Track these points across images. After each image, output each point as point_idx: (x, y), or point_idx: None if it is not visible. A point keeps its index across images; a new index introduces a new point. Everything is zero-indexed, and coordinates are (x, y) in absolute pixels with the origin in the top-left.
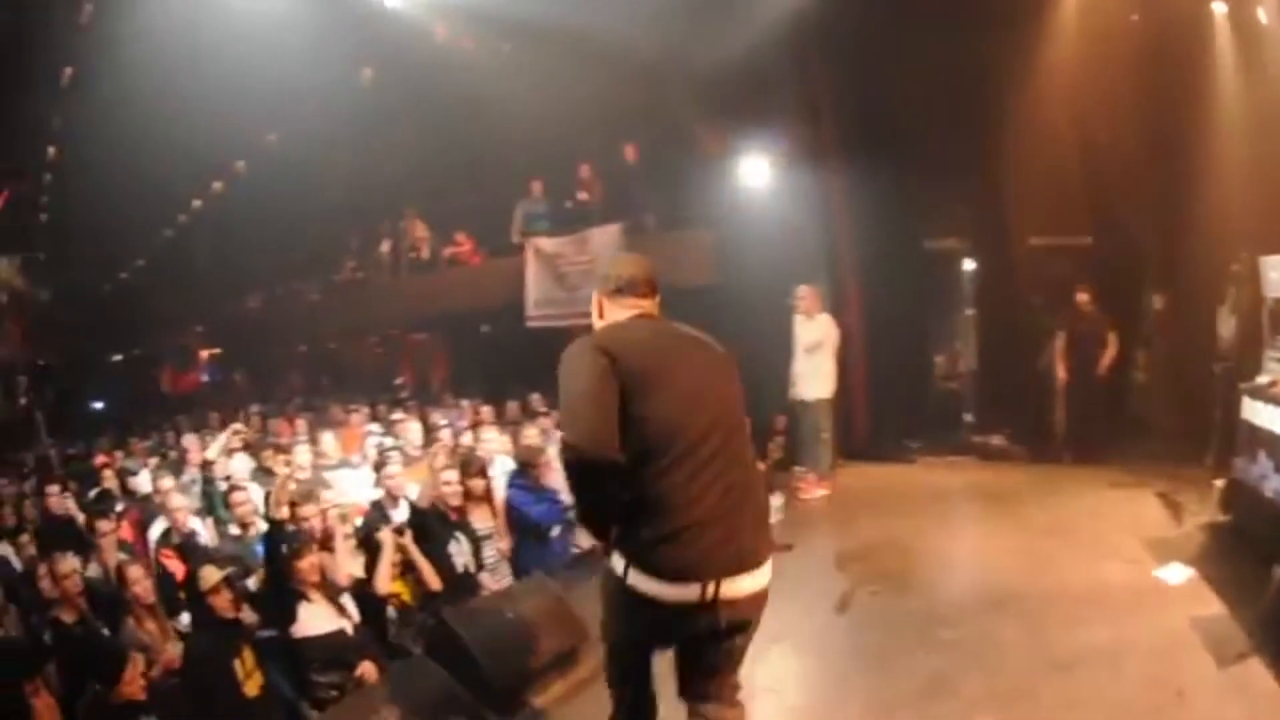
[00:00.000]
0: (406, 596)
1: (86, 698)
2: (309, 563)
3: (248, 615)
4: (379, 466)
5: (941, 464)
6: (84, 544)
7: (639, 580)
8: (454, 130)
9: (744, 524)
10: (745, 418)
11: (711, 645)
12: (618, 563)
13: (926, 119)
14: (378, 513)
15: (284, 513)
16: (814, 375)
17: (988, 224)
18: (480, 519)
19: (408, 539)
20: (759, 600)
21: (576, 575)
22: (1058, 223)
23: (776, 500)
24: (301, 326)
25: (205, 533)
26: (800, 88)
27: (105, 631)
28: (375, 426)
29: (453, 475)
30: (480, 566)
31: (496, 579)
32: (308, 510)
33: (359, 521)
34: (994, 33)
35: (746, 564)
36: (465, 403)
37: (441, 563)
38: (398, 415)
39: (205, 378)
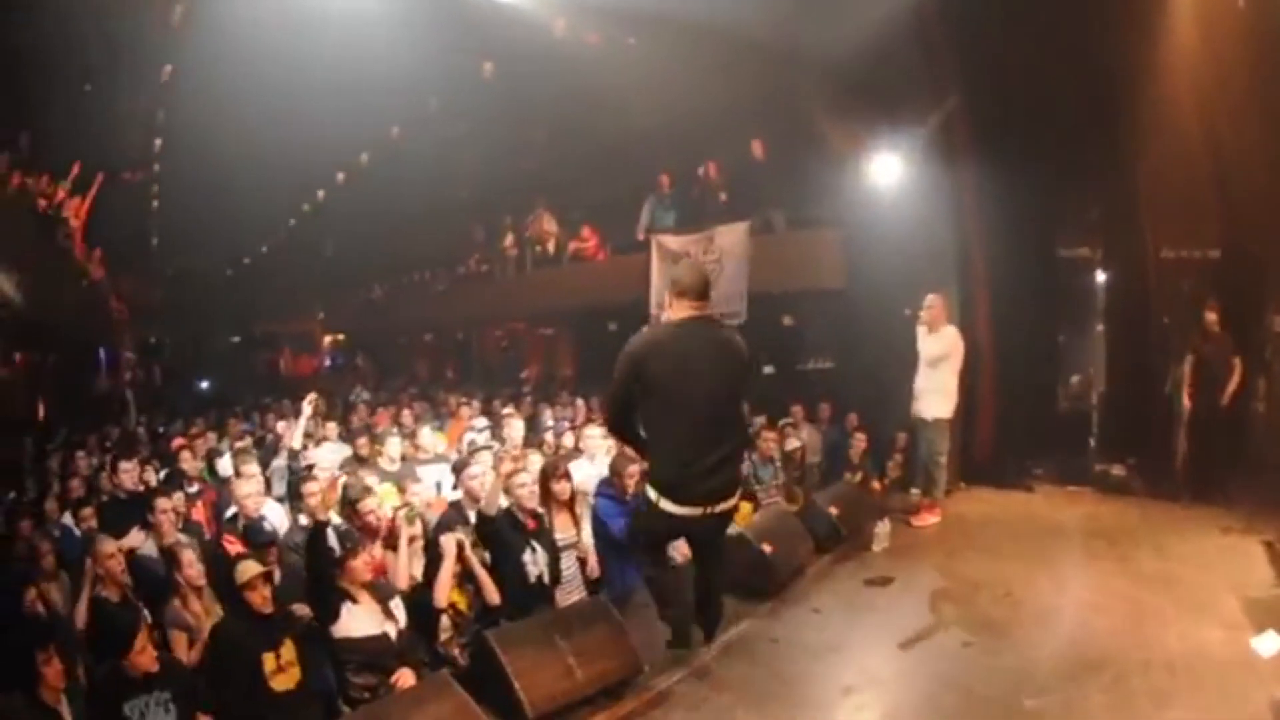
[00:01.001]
0: (463, 606)
1: (104, 667)
2: (361, 562)
3: (301, 609)
4: (459, 468)
5: (1061, 494)
6: (147, 521)
7: (666, 505)
8: (580, 125)
9: (727, 472)
10: (741, 400)
11: (705, 536)
12: (652, 493)
13: (1056, 114)
14: (456, 514)
15: (325, 515)
16: (934, 392)
17: (1120, 231)
18: (561, 527)
19: (471, 547)
20: (730, 511)
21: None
22: (1187, 234)
23: (884, 527)
24: (426, 316)
25: (283, 520)
26: (928, 81)
27: (145, 611)
28: (481, 421)
29: (526, 479)
30: (557, 578)
31: (568, 592)
32: (368, 504)
33: (433, 520)
34: (1117, 25)
35: (726, 496)
36: (580, 401)
37: (514, 572)
38: (508, 411)
39: (327, 362)
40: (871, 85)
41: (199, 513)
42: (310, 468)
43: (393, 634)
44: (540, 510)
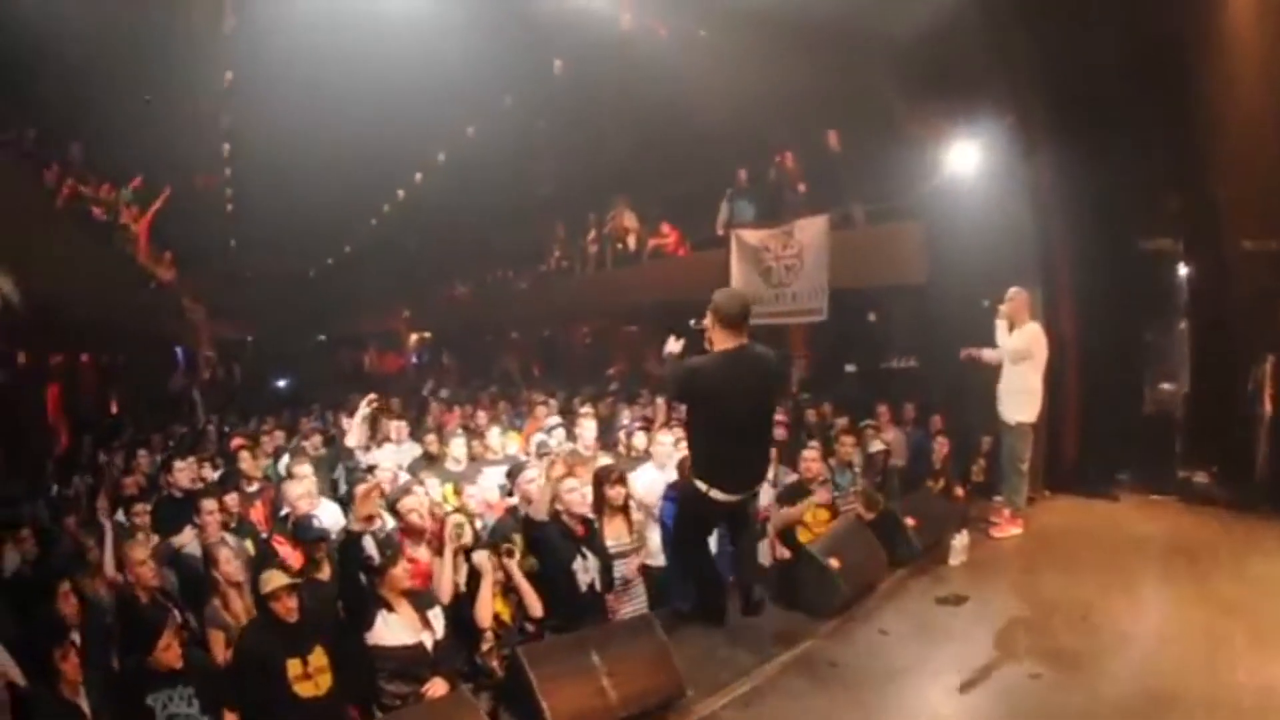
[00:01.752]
0: (506, 616)
1: (130, 661)
2: (401, 569)
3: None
4: (514, 472)
5: (1145, 504)
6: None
7: (715, 494)
8: (655, 120)
9: (757, 465)
10: (773, 409)
11: (739, 516)
12: (701, 484)
13: (1131, 97)
14: (513, 520)
15: (364, 521)
16: (1016, 393)
17: (1200, 222)
18: (614, 533)
19: (515, 559)
20: (755, 495)
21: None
22: (1269, 224)
23: (961, 540)
24: (511, 314)
25: (339, 519)
26: (1003, 66)
27: (174, 611)
28: (555, 421)
29: (575, 484)
30: (609, 586)
31: (624, 602)
32: (408, 504)
33: (490, 524)
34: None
35: (758, 482)
36: (661, 400)
37: (563, 580)
38: (584, 410)
39: (413, 360)
40: (946, 71)
41: (258, 512)
42: (371, 468)
43: (428, 644)
44: (591, 516)
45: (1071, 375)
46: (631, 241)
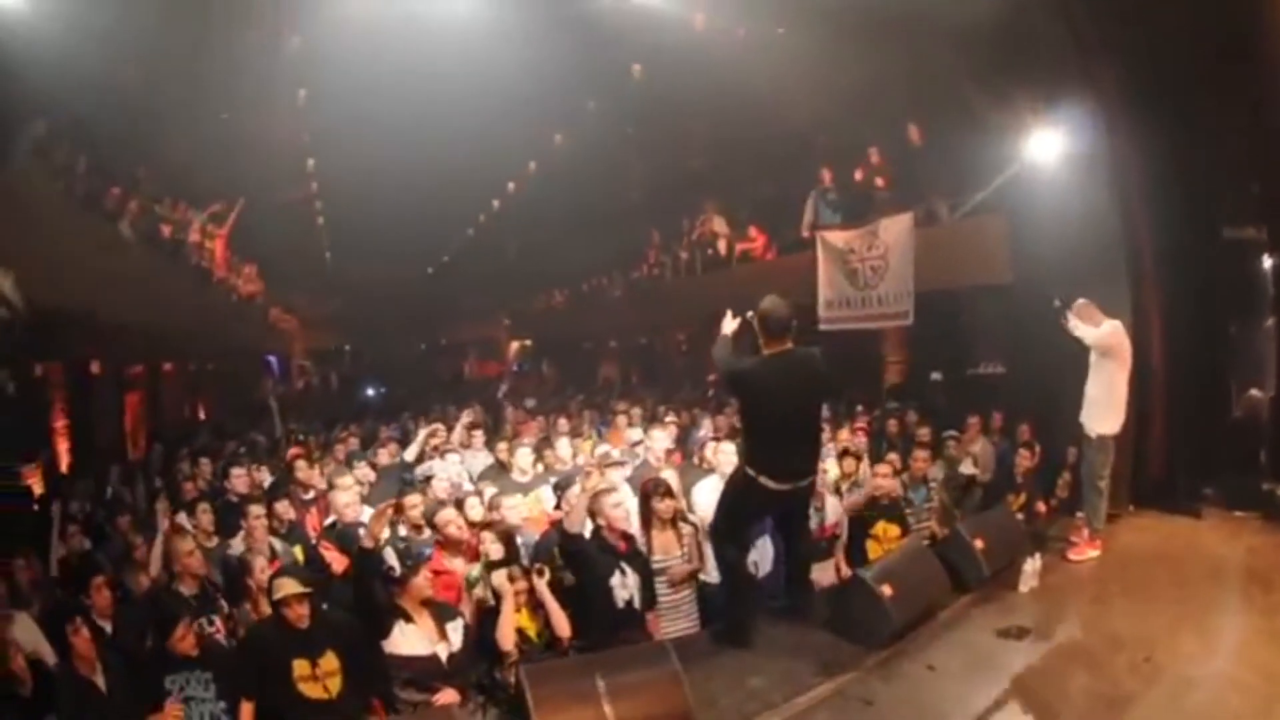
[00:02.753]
0: (533, 633)
1: (154, 644)
2: (423, 579)
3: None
4: (562, 486)
5: (1227, 522)
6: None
7: (765, 480)
8: (738, 121)
9: (805, 459)
10: (820, 407)
11: (789, 507)
12: (750, 470)
13: (1213, 75)
14: (557, 534)
15: (372, 543)
16: (1096, 402)
17: None
18: (663, 547)
19: (544, 579)
20: (810, 486)
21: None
22: None
23: (1033, 564)
24: (607, 321)
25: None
26: (1078, 45)
27: (220, 600)
28: (636, 434)
29: (619, 499)
30: (650, 604)
31: (672, 621)
32: (445, 516)
33: (531, 540)
34: None
35: (807, 475)
36: None
37: (600, 596)
38: (670, 419)
39: (514, 368)
40: (1022, 56)
41: (313, 519)
42: (427, 479)
43: (443, 655)
44: (632, 532)
45: (1159, 379)
46: (721, 246)
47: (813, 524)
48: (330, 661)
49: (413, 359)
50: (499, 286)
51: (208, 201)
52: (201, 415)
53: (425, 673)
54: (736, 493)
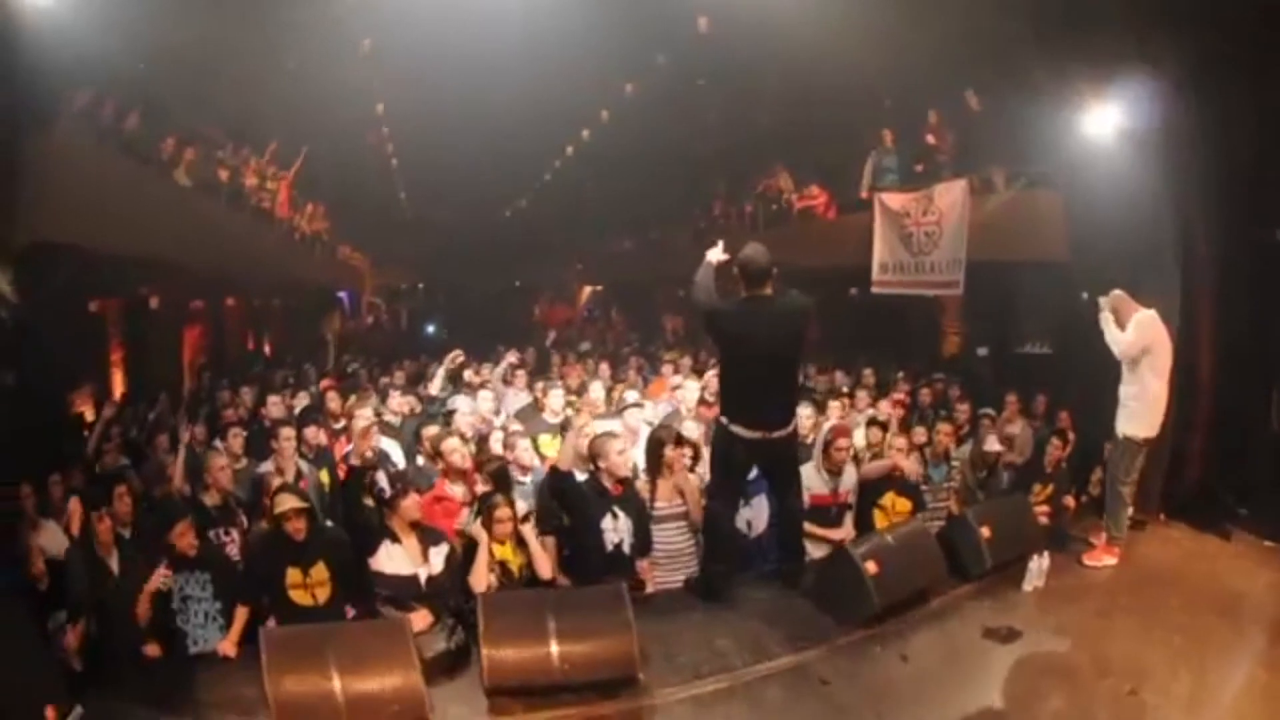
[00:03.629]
0: (514, 567)
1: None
2: (411, 502)
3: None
4: (564, 427)
5: (1255, 551)
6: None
7: (736, 428)
8: (806, 79)
9: (779, 406)
10: (796, 353)
11: (771, 458)
12: (724, 419)
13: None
14: (548, 474)
15: (359, 460)
16: (1128, 401)
17: None
18: (666, 495)
19: (528, 524)
20: (787, 437)
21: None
22: None
23: (1039, 563)
24: (673, 271)
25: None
26: (1133, 11)
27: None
28: (677, 379)
29: (620, 445)
30: (643, 551)
31: (669, 571)
32: (449, 445)
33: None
34: None
35: (781, 424)
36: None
37: (591, 538)
38: (709, 373)
39: (584, 313)
40: (1083, 28)
41: (342, 446)
42: (451, 413)
43: (423, 577)
44: (629, 476)
45: (1205, 383)
46: (785, 202)
47: (825, 489)
48: (321, 572)
49: (485, 300)
50: (572, 231)
51: (268, 145)
52: (267, 349)
53: (404, 591)
54: (716, 445)
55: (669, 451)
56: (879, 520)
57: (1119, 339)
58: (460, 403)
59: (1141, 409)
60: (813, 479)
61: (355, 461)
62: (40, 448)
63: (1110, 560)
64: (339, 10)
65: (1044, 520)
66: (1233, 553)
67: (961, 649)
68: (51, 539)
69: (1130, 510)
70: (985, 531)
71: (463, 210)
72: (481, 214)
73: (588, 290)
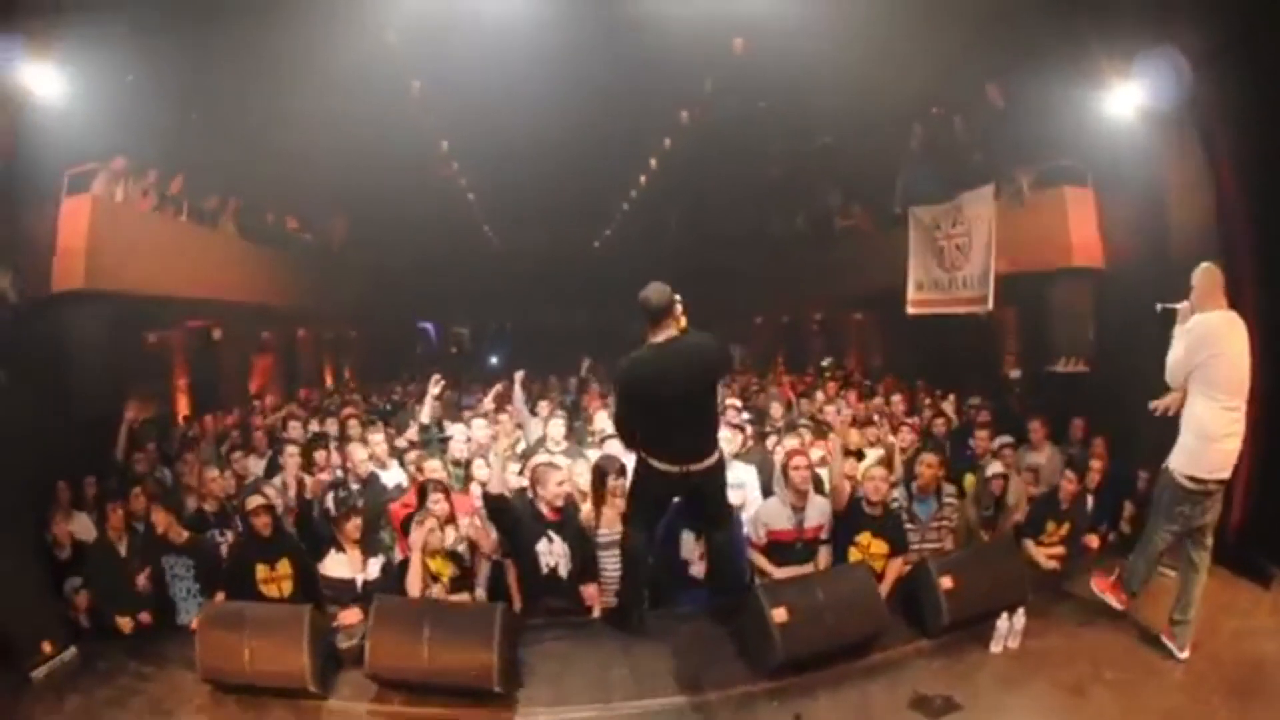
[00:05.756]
0: (445, 577)
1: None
2: (352, 524)
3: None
4: (525, 455)
5: None
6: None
7: (654, 461)
8: (851, 89)
9: (695, 441)
10: (710, 390)
11: (693, 490)
12: (643, 453)
13: None
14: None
15: (311, 495)
16: (1185, 425)
17: None
18: (610, 522)
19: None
20: (705, 470)
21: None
22: None
23: (1010, 622)
24: (749, 298)
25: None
26: None
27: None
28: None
29: (560, 476)
30: (587, 577)
31: (611, 593)
32: (430, 465)
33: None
34: None
35: (699, 458)
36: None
37: (526, 560)
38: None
39: None
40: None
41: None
42: (446, 439)
43: (359, 583)
44: (564, 505)
45: (1252, 401)
46: (837, 224)
47: (788, 524)
48: (285, 567)
49: (567, 329)
50: (653, 259)
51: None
52: (345, 376)
53: (343, 592)
54: (636, 475)
55: (611, 481)
56: (853, 559)
57: (1174, 353)
58: (457, 430)
59: (1188, 439)
60: (774, 513)
61: (309, 495)
62: (78, 452)
63: (1117, 605)
64: (379, 54)
65: (1052, 564)
66: (1268, 608)
67: (875, 717)
68: (81, 527)
69: (1157, 569)
70: (946, 582)
71: (550, 241)
72: (571, 243)
73: None
